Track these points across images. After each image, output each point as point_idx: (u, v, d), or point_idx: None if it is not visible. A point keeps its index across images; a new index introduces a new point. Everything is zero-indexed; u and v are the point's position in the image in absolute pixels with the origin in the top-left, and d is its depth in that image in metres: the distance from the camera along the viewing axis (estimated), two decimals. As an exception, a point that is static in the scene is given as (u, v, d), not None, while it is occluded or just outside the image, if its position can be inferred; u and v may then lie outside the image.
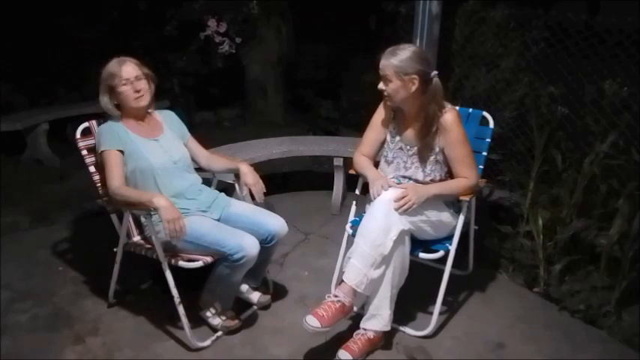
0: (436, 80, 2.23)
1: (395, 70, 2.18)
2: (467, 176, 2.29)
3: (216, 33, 5.11)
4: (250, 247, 2.16)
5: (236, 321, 2.36)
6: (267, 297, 2.54)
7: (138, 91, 2.30)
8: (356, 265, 2.12)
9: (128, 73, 2.28)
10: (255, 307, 2.52)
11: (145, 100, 2.34)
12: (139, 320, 2.47)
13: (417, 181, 2.33)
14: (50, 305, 2.58)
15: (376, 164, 2.47)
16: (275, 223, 2.37)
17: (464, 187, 2.30)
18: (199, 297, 2.37)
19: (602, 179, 2.61)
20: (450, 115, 2.25)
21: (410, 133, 2.33)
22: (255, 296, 2.52)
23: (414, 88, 2.20)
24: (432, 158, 2.30)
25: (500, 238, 3.00)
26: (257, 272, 2.46)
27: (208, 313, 2.36)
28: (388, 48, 2.23)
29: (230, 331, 2.35)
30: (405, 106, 2.29)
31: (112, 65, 2.31)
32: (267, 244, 2.34)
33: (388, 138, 2.41)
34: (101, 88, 2.32)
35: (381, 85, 2.26)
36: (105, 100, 2.32)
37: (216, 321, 2.35)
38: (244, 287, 2.51)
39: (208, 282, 2.32)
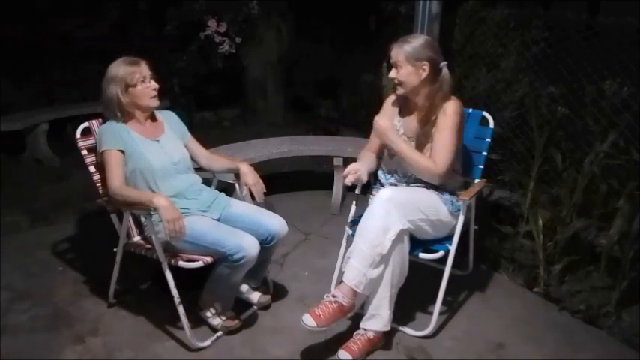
0: (445, 71, 2.26)
1: (406, 55, 2.23)
2: (436, 162, 2.23)
3: (216, 33, 5.11)
4: (250, 247, 2.16)
5: (236, 321, 2.36)
6: (267, 297, 2.54)
7: (156, 90, 2.32)
8: (355, 265, 2.12)
9: (146, 71, 2.30)
10: (255, 307, 2.52)
11: (158, 100, 2.35)
12: (139, 320, 2.46)
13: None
14: (50, 305, 2.58)
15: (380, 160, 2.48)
16: (275, 223, 2.37)
17: (426, 168, 2.23)
18: (199, 297, 2.37)
19: (602, 179, 2.61)
20: (451, 104, 2.25)
21: (413, 123, 2.34)
22: (255, 296, 2.52)
23: (424, 74, 2.23)
24: (429, 146, 2.30)
25: (500, 238, 3.00)
26: (257, 272, 2.46)
27: (208, 313, 2.36)
28: (398, 39, 2.28)
29: (230, 331, 2.34)
30: (414, 95, 2.30)
31: (128, 62, 2.28)
32: (267, 244, 2.34)
33: None
34: (115, 86, 2.25)
35: (392, 73, 2.29)
36: (122, 97, 2.26)
37: (216, 321, 2.35)
38: (244, 287, 2.51)
39: (208, 282, 2.32)
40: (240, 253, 2.13)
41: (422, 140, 2.31)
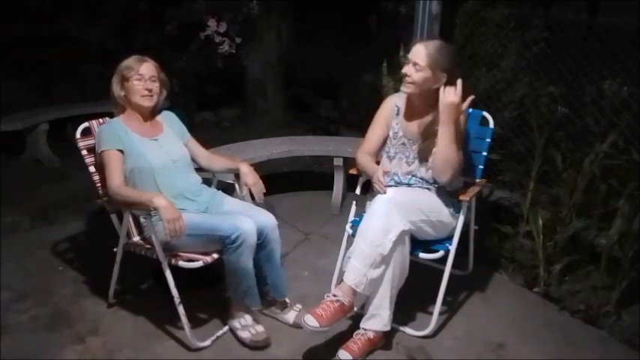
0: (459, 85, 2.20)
1: (431, 61, 2.17)
2: None
3: (216, 33, 5.11)
4: (246, 225, 2.15)
5: (266, 336, 2.27)
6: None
7: (149, 90, 2.33)
8: (355, 265, 2.12)
9: (145, 70, 2.33)
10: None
11: (152, 101, 2.36)
12: (139, 320, 2.46)
13: (419, 177, 2.34)
14: (50, 305, 2.58)
15: (378, 163, 2.47)
16: (262, 216, 2.33)
17: (456, 160, 2.22)
18: (229, 307, 2.34)
19: (602, 179, 2.61)
20: None
21: (414, 128, 2.33)
22: (290, 316, 2.41)
23: (438, 84, 2.20)
24: (434, 152, 2.29)
25: (500, 238, 3.00)
26: (273, 281, 2.40)
27: (237, 324, 2.30)
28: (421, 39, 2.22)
29: (258, 347, 2.26)
30: (418, 99, 2.29)
31: (133, 59, 2.35)
32: (261, 243, 2.28)
33: (391, 134, 2.42)
34: (115, 77, 2.35)
35: (406, 69, 2.22)
36: (117, 89, 2.35)
37: (245, 334, 2.28)
38: (277, 307, 2.45)
39: (227, 284, 2.27)
40: (236, 233, 2.12)
41: (430, 147, 2.29)
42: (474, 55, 3.54)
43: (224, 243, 2.16)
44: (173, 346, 2.29)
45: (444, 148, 2.18)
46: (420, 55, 2.19)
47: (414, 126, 2.33)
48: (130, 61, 2.34)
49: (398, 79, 3.43)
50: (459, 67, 2.23)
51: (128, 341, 2.32)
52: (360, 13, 5.16)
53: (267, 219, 2.34)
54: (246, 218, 2.21)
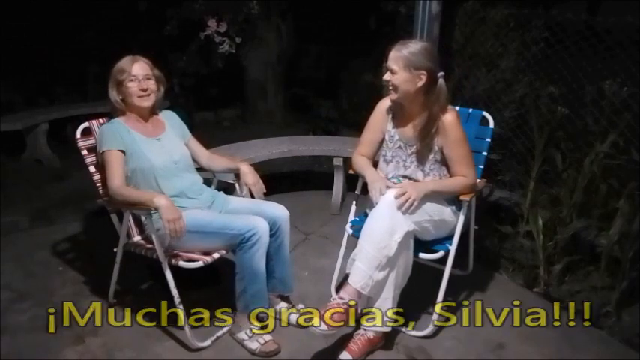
0: (441, 81, 2.21)
1: (405, 62, 2.17)
2: (465, 175, 2.29)
3: (216, 33, 5.11)
4: (260, 224, 2.16)
5: (276, 346, 2.24)
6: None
7: (144, 90, 2.32)
8: (361, 267, 2.10)
9: (137, 70, 2.31)
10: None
11: (150, 100, 2.35)
12: (139, 320, 2.46)
13: (416, 180, 2.33)
14: (50, 305, 2.58)
15: (375, 164, 2.47)
16: (275, 209, 2.35)
17: (462, 186, 2.29)
18: (235, 315, 2.30)
19: (602, 179, 2.61)
20: (449, 116, 2.24)
21: (409, 132, 2.32)
22: (293, 317, 2.41)
23: (420, 83, 2.19)
24: (431, 157, 2.30)
25: (500, 238, 3.00)
26: (281, 275, 2.40)
27: (244, 335, 2.27)
28: (397, 43, 2.22)
29: (268, 357, 2.24)
30: (406, 101, 2.28)
31: (124, 61, 2.34)
32: (273, 234, 2.29)
33: (387, 137, 2.41)
34: (110, 81, 2.34)
35: (386, 76, 2.24)
36: (113, 94, 2.35)
37: (254, 345, 2.24)
38: (282, 304, 2.45)
39: (237, 284, 2.24)
40: (251, 231, 2.13)
41: (423, 153, 2.29)
42: (474, 55, 3.54)
43: (238, 242, 2.16)
44: (173, 346, 2.29)
45: (445, 192, 2.29)
46: (393, 59, 2.20)
47: (409, 129, 2.32)
48: (121, 64, 2.33)
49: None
50: (437, 64, 2.20)
51: (128, 341, 2.32)
52: (360, 13, 5.16)
53: (280, 211, 2.36)
54: (260, 218, 2.21)
